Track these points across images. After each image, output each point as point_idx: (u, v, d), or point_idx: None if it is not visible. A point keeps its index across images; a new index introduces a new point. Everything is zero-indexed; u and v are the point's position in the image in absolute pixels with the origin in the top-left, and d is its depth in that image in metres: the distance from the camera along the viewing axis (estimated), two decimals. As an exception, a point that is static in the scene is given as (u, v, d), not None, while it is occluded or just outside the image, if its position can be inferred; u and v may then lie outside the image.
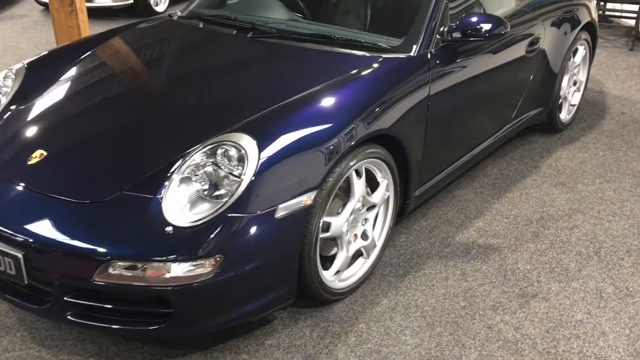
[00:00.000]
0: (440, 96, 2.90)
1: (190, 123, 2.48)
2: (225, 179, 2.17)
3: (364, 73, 2.66)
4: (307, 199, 2.27)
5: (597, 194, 3.57)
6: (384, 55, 2.80)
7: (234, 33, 3.06)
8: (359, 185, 2.55)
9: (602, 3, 6.80)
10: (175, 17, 3.42)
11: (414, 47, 2.86)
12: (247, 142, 2.20)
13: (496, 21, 2.96)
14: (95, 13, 7.61)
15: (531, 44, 3.62)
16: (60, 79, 2.85)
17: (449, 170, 3.26)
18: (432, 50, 2.91)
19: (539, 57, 3.74)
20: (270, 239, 2.20)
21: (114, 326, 2.17)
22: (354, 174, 2.52)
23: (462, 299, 2.71)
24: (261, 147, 2.19)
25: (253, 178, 2.14)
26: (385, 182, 2.73)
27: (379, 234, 2.82)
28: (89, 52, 3.03)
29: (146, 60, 2.98)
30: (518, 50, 3.51)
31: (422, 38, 2.89)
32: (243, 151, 2.18)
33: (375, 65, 2.72)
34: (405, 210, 2.99)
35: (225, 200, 2.12)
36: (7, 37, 6.89)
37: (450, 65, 2.97)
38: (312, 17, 3.47)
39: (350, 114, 2.44)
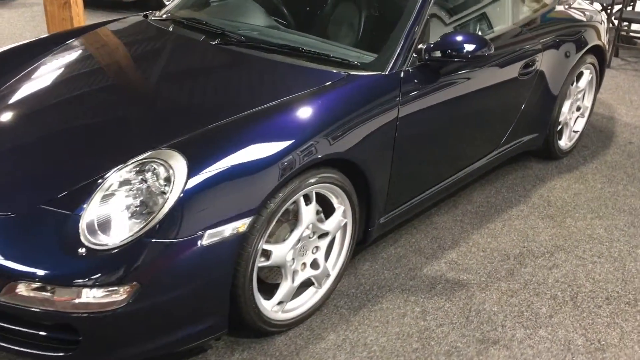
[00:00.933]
0: (411, 119, 2.70)
1: (129, 135, 2.32)
2: (150, 201, 2.01)
3: (324, 91, 2.48)
4: (241, 225, 2.10)
5: (586, 231, 3.33)
6: (352, 72, 2.61)
7: (201, 39, 2.90)
8: (307, 212, 2.37)
9: (625, 24, 6.50)
10: (151, 18, 3.27)
11: (387, 65, 2.67)
12: (177, 161, 2.04)
13: (480, 42, 2.75)
14: (105, 5, 7.54)
15: (526, 66, 3.39)
16: (8, 80, 2.71)
17: (422, 197, 3.06)
18: (409, 69, 2.72)
19: (534, 80, 3.51)
20: (195, 267, 2.03)
21: (19, 348, 2.02)
22: (301, 199, 2.33)
23: (416, 340, 2.51)
24: (192, 168, 2.03)
25: (178, 201, 1.98)
26: (341, 209, 2.54)
27: (333, 263, 2.64)
28: (47, 53, 2.90)
29: (103, 65, 2.83)
30: (509, 73, 3.29)
31: (396, 56, 2.70)
32: (171, 171, 2.02)
33: (340, 82, 2.54)
34: (367, 238, 2.79)
35: (145, 223, 1.96)
36: (13, 25, 6.85)
37: (426, 86, 2.77)
38: (292, 25, 3.30)
39: (301, 135, 2.26)
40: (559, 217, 3.45)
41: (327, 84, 2.52)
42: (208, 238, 2.02)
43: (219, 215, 2.05)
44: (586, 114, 4.23)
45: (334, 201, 2.52)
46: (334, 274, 2.63)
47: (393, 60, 2.69)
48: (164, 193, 1.99)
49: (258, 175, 2.12)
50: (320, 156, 2.30)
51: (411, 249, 3.09)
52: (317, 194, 2.43)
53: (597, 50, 4.04)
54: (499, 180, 3.81)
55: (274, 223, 2.24)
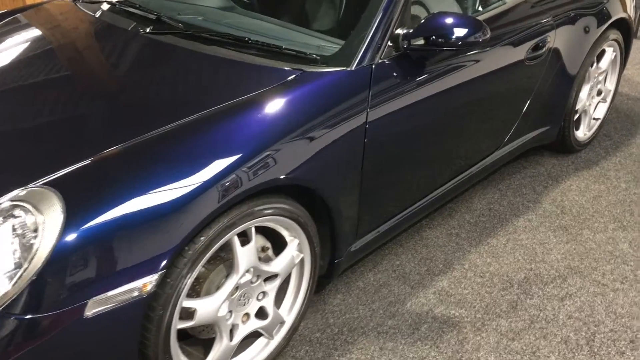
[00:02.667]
0: (386, 124, 2.16)
1: (11, 159, 1.80)
2: (15, 258, 1.51)
3: (269, 96, 1.94)
4: (145, 284, 1.60)
5: (607, 247, 2.78)
6: (308, 69, 2.07)
7: (130, 27, 2.36)
8: (244, 254, 1.86)
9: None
10: (81, 1, 2.73)
11: (353, 58, 2.12)
12: (49, 205, 1.53)
13: (472, 25, 2.19)
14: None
15: (534, 47, 2.81)
16: None
17: (408, 212, 2.53)
18: (383, 61, 2.17)
19: (545, 64, 2.93)
20: (80, 348, 1.54)
21: None
22: (235, 240, 1.82)
23: (389, 405, 2.01)
24: (71, 213, 1.52)
25: (49, 260, 1.47)
26: (295, 242, 2.03)
27: (289, 308, 2.13)
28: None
29: (15, 59, 2.31)
30: (513, 57, 2.71)
31: (365, 46, 2.14)
32: (40, 218, 1.51)
33: (290, 83, 2.00)
34: (334, 272, 2.28)
35: (4, 291, 1.47)
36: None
37: (406, 81, 2.22)
38: (255, 5, 2.75)
39: (232, 158, 1.74)
40: (575, 229, 2.89)
41: (273, 86, 1.98)
42: (96, 307, 1.53)
43: (112, 274, 1.55)
44: (608, 99, 3.63)
45: (285, 234, 2.01)
46: (289, 320, 2.13)
47: (361, 52, 2.13)
48: (29, 250, 1.49)
49: (172, 214, 1.61)
50: (257, 183, 1.78)
51: (394, 275, 2.57)
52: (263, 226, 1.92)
53: (622, 24, 3.43)
54: (504, 180, 3.25)
55: (195, 273, 1.73)
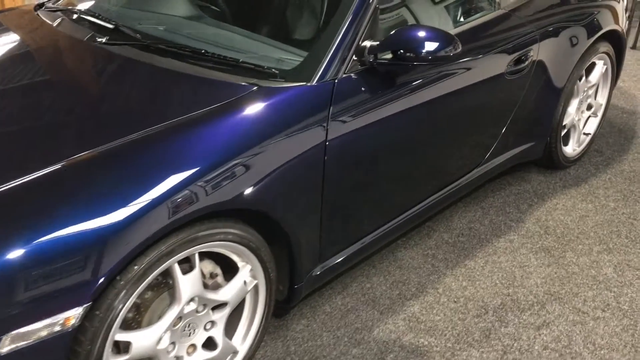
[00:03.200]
0: (348, 143, 2.05)
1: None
2: None
3: (221, 113, 1.83)
4: (68, 318, 1.48)
5: (590, 271, 2.64)
6: (264, 84, 1.95)
7: (85, 38, 2.25)
8: (186, 283, 1.74)
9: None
10: (45, 7, 2.63)
11: (314, 72, 2.00)
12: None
13: (442, 39, 2.07)
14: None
15: (517, 61, 2.68)
16: None
17: (379, 233, 2.41)
18: (349, 75, 2.05)
19: (528, 79, 2.80)
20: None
21: None
22: (176, 267, 1.71)
23: None
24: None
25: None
26: (247, 268, 1.91)
27: (242, 336, 2.02)
28: None
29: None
30: (492, 71, 2.59)
31: (327, 60, 2.03)
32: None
33: (245, 100, 1.88)
34: (294, 298, 2.16)
35: None
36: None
37: (372, 97, 2.11)
38: (224, 13, 2.64)
39: (170, 182, 1.62)
40: (558, 251, 2.76)
41: (225, 102, 1.86)
42: (13, 342, 1.41)
43: (30, 307, 1.43)
44: (600, 113, 3.50)
45: (235, 259, 1.89)
46: (243, 349, 2.02)
47: (324, 66, 2.02)
48: None
49: (98, 242, 1.50)
50: (200, 207, 1.67)
51: (363, 299, 2.45)
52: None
53: (613, 36, 3.30)
54: (487, 198, 3.12)
55: (129, 304, 1.62)
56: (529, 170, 3.36)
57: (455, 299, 2.46)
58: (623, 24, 3.37)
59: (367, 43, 2.10)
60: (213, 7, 2.64)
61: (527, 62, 2.73)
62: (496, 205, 3.06)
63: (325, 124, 1.96)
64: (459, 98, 2.47)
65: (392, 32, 2.09)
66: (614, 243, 2.82)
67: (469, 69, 2.46)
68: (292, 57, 2.14)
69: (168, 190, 1.59)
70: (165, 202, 1.58)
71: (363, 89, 2.09)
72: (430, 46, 2.05)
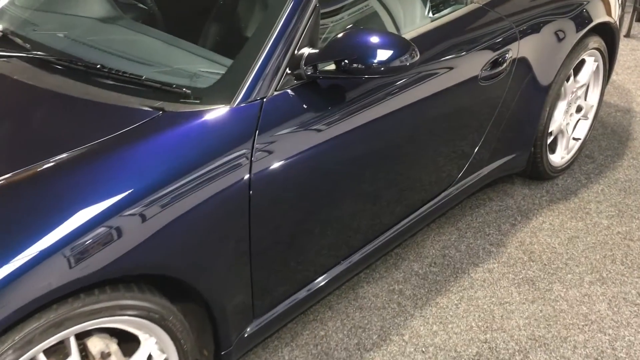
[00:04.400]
0: (281, 175, 1.67)
1: None
2: None
3: (106, 149, 1.44)
4: None
5: (581, 308, 2.28)
6: (171, 108, 1.56)
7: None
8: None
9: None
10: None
11: (236, 91, 1.62)
12: None
13: (397, 45, 1.69)
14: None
15: (493, 64, 2.30)
16: None
17: (329, 275, 2.03)
18: (286, 91, 1.68)
19: (508, 82, 2.42)
20: None
21: None
22: (41, 358, 1.32)
23: None
24: None
25: None
26: (151, 341, 1.53)
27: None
28: None
29: None
30: (463, 76, 2.20)
31: (253, 76, 1.64)
32: None
33: (142, 130, 1.49)
34: (222, 363, 1.78)
35: None
36: None
37: (313, 117, 1.72)
38: (142, 16, 2.24)
39: (35, 244, 1.24)
40: (544, 282, 2.39)
41: (119, 133, 1.47)
42: None
43: None
44: (591, 115, 3.11)
45: (135, 332, 1.50)
46: None
47: (248, 83, 1.64)
48: None
49: None
50: (74, 279, 1.28)
51: (315, 351, 2.08)
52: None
53: (605, 29, 2.91)
54: (465, 217, 2.74)
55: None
56: (512, 182, 2.98)
57: (423, 348, 2.09)
58: (616, 14, 2.98)
59: (305, 51, 1.71)
60: (129, 6, 2.23)
61: (505, 64, 2.34)
62: (474, 226, 2.69)
63: (249, 155, 1.57)
64: (423, 110, 2.08)
65: (333, 38, 1.70)
66: (607, 271, 2.45)
67: (434, 76, 2.08)
68: (213, 70, 1.75)
69: (35, 257, 1.21)
70: (27, 272, 1.20)
71: (301, 108, 1.71)
72: (381, 55, 1.67)
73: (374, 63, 1.67)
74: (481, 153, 2.48)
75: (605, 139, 3.37)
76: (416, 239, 2.61)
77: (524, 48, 2.42)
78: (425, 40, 2.11)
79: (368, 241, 2.12)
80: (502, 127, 2.52)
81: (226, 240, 1.58)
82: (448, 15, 2.26)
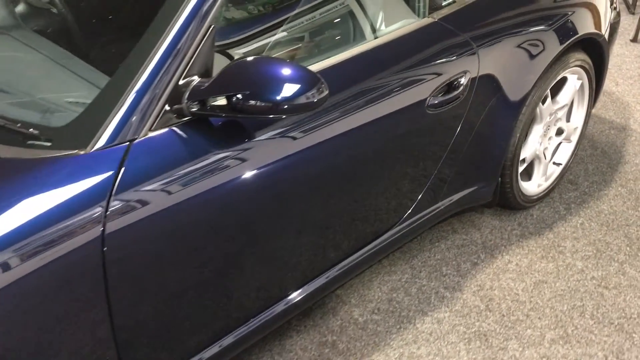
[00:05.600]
0: (143, 236, 1.38)
1: None
2: None
3: None
4: None
5: (537, 373, 1.98)
6: (11, 154, 1.29)
7: None
8: None
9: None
10: None
11: (95, 133, 1.34)
12: None
13: (302, 79, 1.42)
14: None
15: (447, 88, 1.99)
16: None
17: (242, 331, 1.75)
18: (170, 129, 1.40)
19: (466, 107, 2.11)
20: None
21: None
22: None
23: None
24: None
25: None
26: None
27: None
28: None
29: None
30: (407, 102, 1.90)
31: (119, 114, 1.36)
32: None
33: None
34: None
35: None
36: None
37: (201, 161, 1.44)
38: (41, 28, 1.97)
39: None
40: (498, 338, 2.10)
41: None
42: None
43: None
44: (574, 138, 2.79)
45: None
46: None
47: (112, 123, 1.35)
48: None
49: None
50: None
51: (221, 418, 1.80)
52: None
53: (592, 43, 2.58)
54: (422, 252, 2.45)
55: None
56: (481, 211, 2.68)
57: (345, 419, 1.82)
58: (606, 24, 2.64)
59: (191, 82, 1.43)
60: (34, 13, 1.96)
61: (460, 89, 2.03)
62: (431, 265, 2.39)
63: (101, 216, 1.29)
64: (355, 145, 1.79)
65: (225, 67, 1.42)
66: (574, 326, 2.14)
67: (373, 103, 1.78)
68: (85, 102, 1.47)
69: None
70: None
71: (184, 151, 1.42)
72: (284, 89, 1.39)
73: (274, 100, 1.38)
74: (435, 187, 2.18)
75: (594, 162, 3.04)
76: (363, 277, 2.33)
77: (486, 68, 2.11)
78: (365, 61, 1.82)
79: (282, 296, 1.84)
80: (460, 158, 2.21)
81: (74, 315, 1.31)
82: (394, 32, 1.95)
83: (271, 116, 1.39)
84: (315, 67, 1.71)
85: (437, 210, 2.27)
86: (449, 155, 2.15)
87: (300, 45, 1.97)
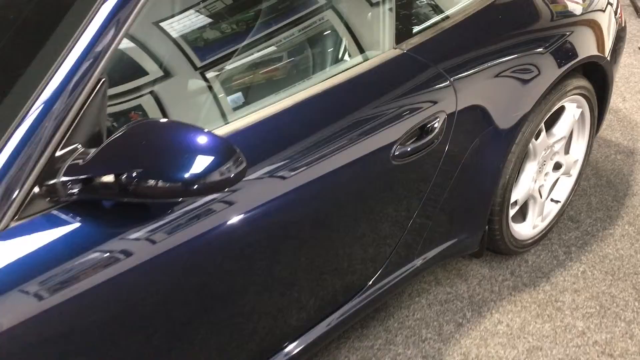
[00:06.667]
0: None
1: None
2: None
3: None
4: None
5: None
6: None
7: None
8: None
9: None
10: None
11: None
12: None
13: (213, 150, 1.11)
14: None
15: (421, 131, 1.67)
16: None
17: None
18: (39, 220, 1.10)
19: (443, 151, 1.79)
20: None
21: None
22: None
23: None
24: None
25: None
26: None
27: None
28: None
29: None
30: (368, 151, 1.58)
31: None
32: None
33: None
34: None
35: None
36: None
37: (75, 257, 1.13)
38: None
39: None
40: None
41: None
42: None
43: None
44: (575, 171, 2.46)
45: None
46: None
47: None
48: None
49: None
50: None
51: None
52: None
53: (595, 68, 2.25)
54: (400, 309, 2.14)
55: None
56: (469, 257, 2.35)
57: None
58: (609, 43, 2.31)
59: (70, 156, 1.12)
60: None
61: (434, 132, 1.70)
62: (409, 326, 2.08)
63: None
64: (307, 203, 1.48)
65: (110, 138, 1.10)
66: (573, 408, 1.82)
67: (323, 158, 1.47)
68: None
69: None
70: None
71: (61, 245, 1.11)
72: (189, 165, 1.08)
73: (179, 178, 1.08)
74: (408, 244, 1.86)
75: (598, 194, 2.70)
76: (329, 345, 2.02)
77: (466, 103, 1.79)
78: (319, 103, 1.52)
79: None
80: (439, 209, 1.89)
81: None
82: (354, 67, 1.63)
83: (169, 200, 1.08)
84: (264, 111, 1.41)
85: (413, 268, 1.95)
86: (424, 208, 1.83)
87: (244, 82, 1.66)
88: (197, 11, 1.60)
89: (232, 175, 1.12)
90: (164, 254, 1.21)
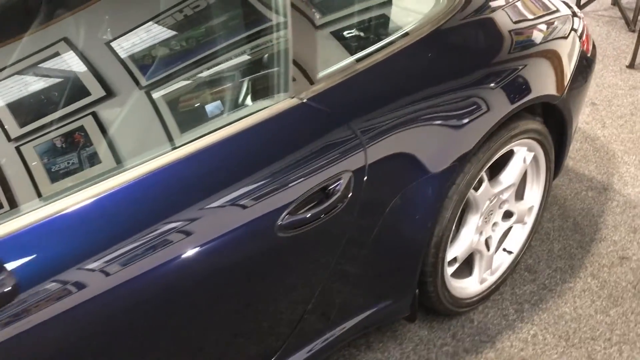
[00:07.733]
0: None
1: None
2: None
3: None
4: None
5: None
6: None
7: None
8: None
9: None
10: None
11: None
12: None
13: None
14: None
15: (322, 194, 1.43)
16: None
17: None
18: None
19: (352, 214, 1.53)
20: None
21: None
22: None
23: None
24: None
25: None
26: None
27: None
28: None
29: None
30: (249, 219, 1.34)
31: None
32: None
33: None
34: None
35: None
36: None
37: None
38: None
39: None
40: None
41: None
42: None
43: None
44: (530, 219, 2.20)
45: None
46: None
47: None
48: None
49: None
50: None
51: None
52: None
53: (552, 109, 2.00)
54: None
55: None
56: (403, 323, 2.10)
57: None
58: (568, 77, 2.05)
59: None
60: None
61: (337, 195, 1.45)
62: (325, 402, 1.83)
63: None
64: (192, 277, 1.24)
65: None
66: None
67: (187, 236, 1.23)
68: None
69: None
70: None
71: None
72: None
73: None
74: (316, 318, 1.61)
75: (562, 239, 2.44)
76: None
77: (379, 157, 1.53)
78: (201, 162, 1.27)
79: None
80: (352, 277, 1.64)
81: None
82: (242, 120, 1.39)
83: None
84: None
85: (332, 338, 1.70)
86: (331, 278, 1.58)
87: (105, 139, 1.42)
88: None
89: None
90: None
